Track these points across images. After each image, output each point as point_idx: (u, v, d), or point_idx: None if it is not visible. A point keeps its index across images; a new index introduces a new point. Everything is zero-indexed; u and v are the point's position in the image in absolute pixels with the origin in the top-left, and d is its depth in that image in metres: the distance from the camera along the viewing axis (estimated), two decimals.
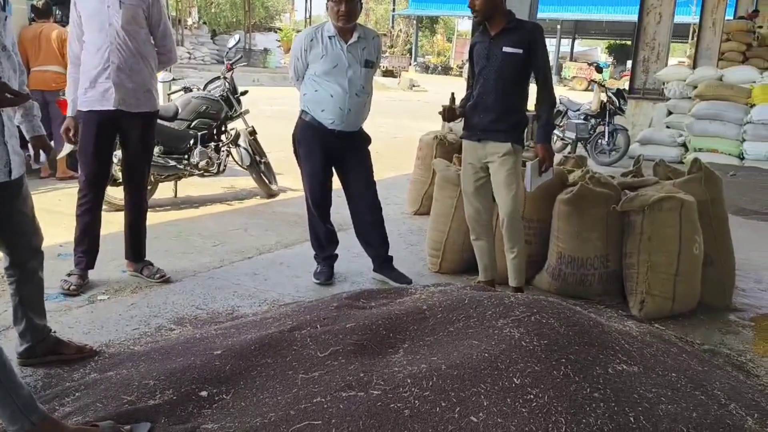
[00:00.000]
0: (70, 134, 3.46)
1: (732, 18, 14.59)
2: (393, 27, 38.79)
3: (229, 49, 6.18)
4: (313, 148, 3.76)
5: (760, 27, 14.18)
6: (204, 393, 2.19)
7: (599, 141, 8.98)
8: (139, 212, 3.75)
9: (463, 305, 2.43)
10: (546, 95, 3.34)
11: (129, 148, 3.62)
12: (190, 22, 27.10)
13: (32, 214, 2.60)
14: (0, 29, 2.35)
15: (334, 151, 3.77)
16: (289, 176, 6.38)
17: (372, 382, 2.01)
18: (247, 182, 6.27)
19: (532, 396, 1.89)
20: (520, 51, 3.26)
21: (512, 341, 2.13)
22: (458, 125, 4.39)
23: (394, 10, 39.75)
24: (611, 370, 2.13)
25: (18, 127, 2.57)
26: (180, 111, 5.51)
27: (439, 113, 3.52)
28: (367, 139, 3.88)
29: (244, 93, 6.09)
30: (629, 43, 34.85)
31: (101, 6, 3.36)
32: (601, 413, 1.89)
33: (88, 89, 3.41)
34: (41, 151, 2.73)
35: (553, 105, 3.39)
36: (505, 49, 3.28)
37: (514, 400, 1.88)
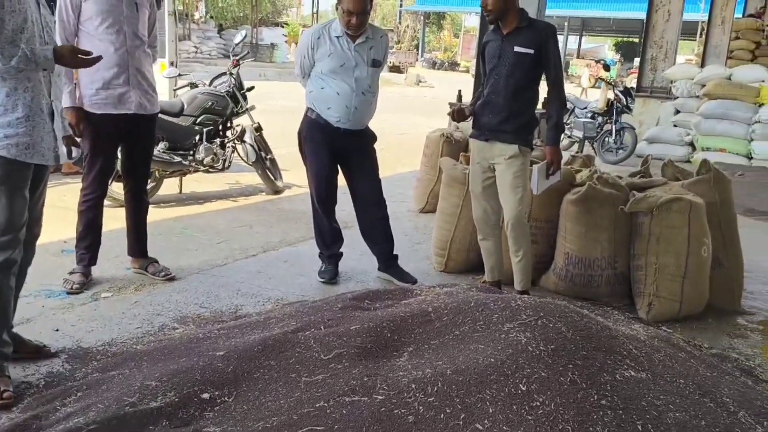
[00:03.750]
0: (80, 127, 3.36)
1: (741, 16, 14.47)
2: (400, 22, 38.68)
3: (236, 44, 6.15)
4: (319, 145, 3.73)
5: None
6: (206, 395, 2.17)
7: (606, 139, 8.93)
8: (141, 208, 3.74)
9: (470, 308, 2.40)
10: (556, 95, 3.30)
11: (135, 146, 3.60)
12: (197, 16, 27.07)
13: (42, 205, 2.71)
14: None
15: (340, 149, 3.74)
16: (295, 173, 6.35)
17: (376, 387, 1.98)
18: (253, 178, 6.25)
19: (538, 403, 1.86)
20: (532, 51, 3.22)
21: (519, 346, 2.09)
22: (465, 123, 4.35)
23: (401, 5, 39.63)
24: (619, 376, 2.10)
25: None
26: (185, 107, 5.48)
27: (448, 114, 3.48)
28: (372, 138, 3.85)
29: (250, 89, 6.06)
30: (636, 40, 34.68)
31: (117, 4, 3.31)
32: (608, 421, 1.86)
33: (100, 90, 3.34)
34: (73, 148, 2.93)
35: (564, 106, 3.35)
36: (517, 48, 3.24)
37: (520, 407, 1.85)
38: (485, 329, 2.25)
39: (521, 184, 3.30)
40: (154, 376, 2.31)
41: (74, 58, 2.48)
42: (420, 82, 23.62)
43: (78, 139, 3.17)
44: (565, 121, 9.31)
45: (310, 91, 3.72)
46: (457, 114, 3.43)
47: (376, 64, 3.67)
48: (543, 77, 3.35)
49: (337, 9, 3.57)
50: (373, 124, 3.88)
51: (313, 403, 1.96)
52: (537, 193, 3.36)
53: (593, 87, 23.01)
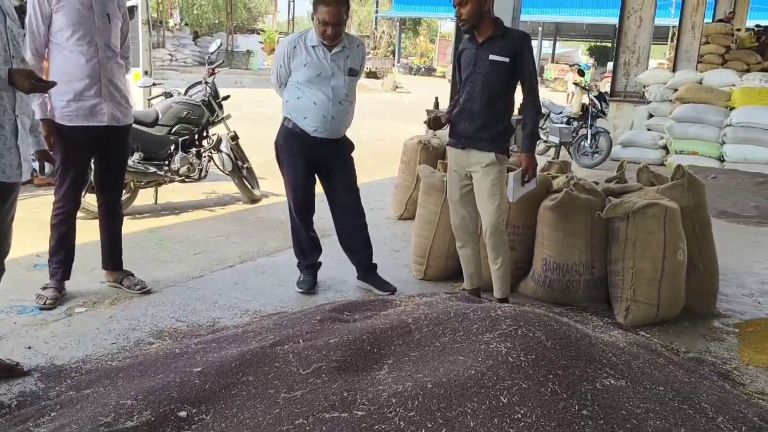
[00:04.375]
0: (51, 140, 3.32)
1: (711, 21, 14.75)
2: (376, 29, 38.79)
3: (211, 53, 6.10)
4: (296, 155, 3.71)
5: (738, 30, 14.36)
6: (183, 413, 2.13)
7: (582, 143, 9.03)
8: (116, 220, 3.67)
9: (449, 319, 2.39)
10: (532, 103, 3.31)
11: (108, 158, 3.55)
12: (171, 23, 26.88)
13: (11, 221, 2.65)
14: None
15: (317, 158, 3.72)
16: (272, 181, 6.30)
17: (356, 402, 1.95)
18: (230, 187, 6.19)
19: (519, 415, 1.85)
20: (507, 59, 3.23)
21: (499, 357, 2.09)
22: (443, 130, 4.36)
23: (377, 11, 39.74)
24: (599, 385, 2.10)
25: None
26: (160, 116, 5.42)
27: (425, 122, 3.47)
28: (350, 146, 3.83)
29: (226, 98, 6.02)
30: (609, 45, 35.19)
31: (89, 15, 3.25)
32: (589, 431, 1.86)
33: (71, 102, 3.28)
34: (46, 164, 2.92)
35: (539, 113, 3.37)
36: (492, 57, 3.25)
37: (501, 420, 1.84)
38: (465, 340, 2.24)
39: (498, 192, 3.31)
40: (129, 395, 2.26)
41: (27, 82, 2.40)
42: (396, 87, 23.68)
43: (51, 154, 3.12)
44: (540, 126, 9.41)
45: (286, 100, 3.69)
46: (434, 122, 3.43)
47: (353, 73, 3.66)
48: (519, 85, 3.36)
49: (312, 19, 3.55)
50: (350, 131, 3.86)
51: (293, 420, 1.93)
52: (513, 200, 3.37)
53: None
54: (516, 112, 3.64)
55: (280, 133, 3.75)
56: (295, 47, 3.58)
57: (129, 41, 3.58)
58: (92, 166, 3.80)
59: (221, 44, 6.20)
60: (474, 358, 2.10)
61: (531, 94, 3.31)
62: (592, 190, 3.80)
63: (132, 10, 6.20)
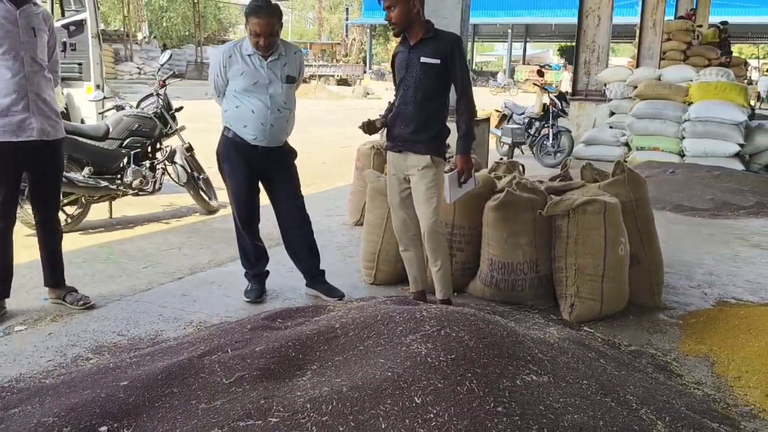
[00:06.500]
0: None
1: (673, 18, 15.02)
2: (347, 36, 38.87)
3: (161, 65, 6.08)
4: (237, 164, 3.69)
5: (700, 26, 14.64)
6: (103, 428, 2.10)
7: (544, 143, 9.12)
8: (54, 235, 3.62)
9: (375, 322, 2.39)
10: (465, 106, 3.32)
11: (41, 174, 3.50)
12: (140, 36, 26.68)
13: None
14: None
15: (259, 167, 3.71)
16: None
17: (271, 410, 1.95)
18: (188, 199, 6.14)
19: (432, 415, 1.85)
20: (438, 61, 3.25)
21: (418, 358, 2.09)
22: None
23: (347, 18, 39.84)
24: (519, 381, 2.11)
25: None
26: (111, 130, 5.37)
27: (359, 127, 3.48)
28: (292, 153, 3.83)
29: (179, 109, 5.98)
30: None
31: (13, 30, 3.22)
32: (503, 428, 1.87)
33: None
34: None
35: (473, 116, 3.37)
36: (423, 59, 3.26)
37: (413, 420, 1.84)
38: (388, 343, 2.24)
39: (435, 195, 3.32)
40: (52, 412, 2.23)
41: None
42: (368, 94, 23.76)
43: None
44: (502, 126, 9.49)
45: (225, 110, 3.68)
46: (368, 126, 3.43)
47: (291, 81, 3.65)
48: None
49: (246, 28, 3.55)
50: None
51: (208, 430, 1.92)
52: (450, 201, 3.38)
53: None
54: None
55: (221, 143, 3.74)
56: (230, 56, 3.57)
57: (57, 55, 3.54)
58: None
59: (171, 56, 6.18)
60: (393, 360, 2.11)
61: (464, 96, 3.32)
62: (534, 189, 3.83)
63: (81, 23, 6.16)
